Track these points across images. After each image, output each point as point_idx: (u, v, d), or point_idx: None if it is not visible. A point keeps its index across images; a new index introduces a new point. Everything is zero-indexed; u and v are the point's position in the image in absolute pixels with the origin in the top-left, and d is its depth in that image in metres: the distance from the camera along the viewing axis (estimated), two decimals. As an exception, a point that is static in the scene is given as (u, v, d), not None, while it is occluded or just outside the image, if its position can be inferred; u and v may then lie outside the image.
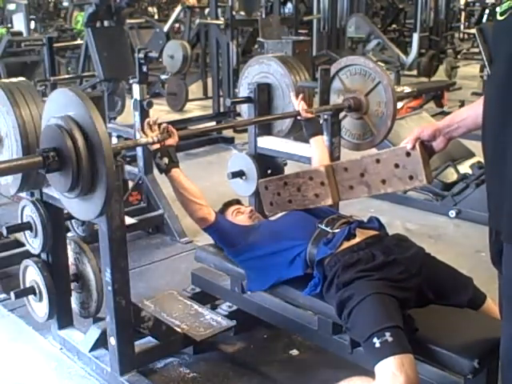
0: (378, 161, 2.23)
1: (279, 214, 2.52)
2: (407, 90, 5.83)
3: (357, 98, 2.94)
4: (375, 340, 1.79)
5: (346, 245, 2.15)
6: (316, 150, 2.66)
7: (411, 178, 2.15)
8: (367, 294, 1.92)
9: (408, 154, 2.11)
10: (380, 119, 2.93)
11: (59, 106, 1.98)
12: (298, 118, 2.73)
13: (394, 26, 11.65)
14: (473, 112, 1.83)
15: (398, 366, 1.74)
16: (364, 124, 2.99)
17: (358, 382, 1.88)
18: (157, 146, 2.25)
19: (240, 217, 2.55)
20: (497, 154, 1.52)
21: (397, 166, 2.18)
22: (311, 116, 2.71)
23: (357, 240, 2.17)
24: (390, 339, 1.78)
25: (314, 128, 2.71)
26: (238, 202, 2.70)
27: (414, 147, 2.07)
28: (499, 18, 1.50)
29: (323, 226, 2.26)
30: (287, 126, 3.21)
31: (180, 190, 2.32)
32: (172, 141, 2.27)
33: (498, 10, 1.52)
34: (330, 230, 2.23)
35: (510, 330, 1.55)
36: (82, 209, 2.06)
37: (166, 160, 2.26)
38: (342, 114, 3.05)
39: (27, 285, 2.65)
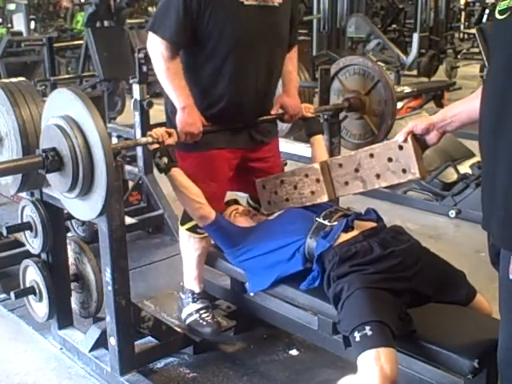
0: (371, 155, 2.24)
1: (277, 213, 2.52)
2: (407, 90, 5.82)
3: (356, 98, 2.95)
4: (356, 334, 1.82)
5: (344, 237, 2.15)
6: (315, 150, 2.66)
7: (404, 171, 2.16)
8: (356, 288, 1.93)
9: (400, 148, 2.12)
10: (380, 118, 2.93)
11: (59, 106, 1.98)
12: (299, 117, 2.72)
13: (394, 26, 11.64)
14: (467, 106, 1.83)
15: (375, 358, 1.76)
16: (364, 124, 2.99)
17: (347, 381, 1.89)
18: (156, 145, 2.25)
19: (239, 219, 2.55)
20: (490, 154, 1.52)
21: (390, 159, 2.18)
22: (311, 115, 2.71)
23: (355, 232, 2.17)
24: (369, 333, 1.80)
25: (313, 127, 2.71)
26: (235, 201, 2.70)
27: (406, 140, 2.07)
28: (498, 16, 1.49)
29: (321, 220, 2.27)
30: (287, 126, 3.22)
31: (180, 189, 2.32)
32: (171, 140, 2.27)
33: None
34: (328, 223, 2.23)
35: (507, 330, 1.56)
36: (82, 209, 2.06)
37: (165, 160, 2.26)
38: (342, 115, 3.06)
39: (27, 285, 2.65)
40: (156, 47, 2.32)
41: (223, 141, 2.46)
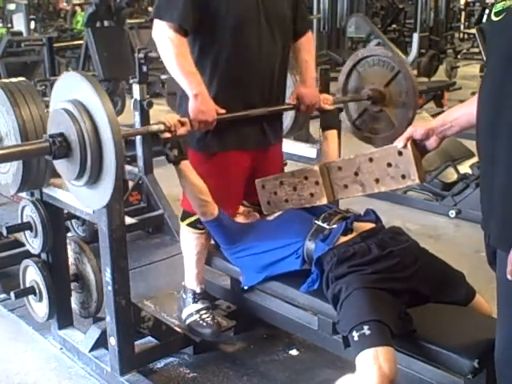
0: (371, 160, 2.23)
1: (276, 213, 2.52)
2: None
3: (376, 90, 2.89)
4: (354, 333, 1.82)
5: (343, 239, 2.15)
6: (328, 145, 2.61)
7: (404, 177, 2.16)
8: (354, 289, 1.93)
9: (400, 153, 2.11)
10: (401, 110, 2.87)
11: (67, 90, 1.91)
12: (316, 108, 2.64)
13: (394, 26, 11.64)
14: (466, 110, 1.82)
15: (373, 358, 1.76)
16: (385, 116, 2.94)
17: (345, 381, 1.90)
18: (167, 134, 2.18)
19: (238, 218, 2.55)
20: (488, 154, 1.52)
21: (389, 165, 2.18)
22: (329, 108, 2.64)
23: (353, 234, 2.17)
24: (367, 332, 1.80)
25: (329, 121, 2.64)
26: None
27: (405, 146, 2.07)
28: (494, 18, 1.49)
29: (320, 222, 2.26)
30: (287, 125, 3.20)
31: (187, 184, 2.29)
32: (184, 130, 2.20)
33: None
34: (327, 226, 2.23)
35: (504, 330, 1.56)
36: (91, 197, 1.98)
37: (175, 152, 2.20)
38: (361, 109, 3.01)
39: (27, 285, 2.65)
40: (163, 33, 2.25)
41: (233, 143, 2.41)
